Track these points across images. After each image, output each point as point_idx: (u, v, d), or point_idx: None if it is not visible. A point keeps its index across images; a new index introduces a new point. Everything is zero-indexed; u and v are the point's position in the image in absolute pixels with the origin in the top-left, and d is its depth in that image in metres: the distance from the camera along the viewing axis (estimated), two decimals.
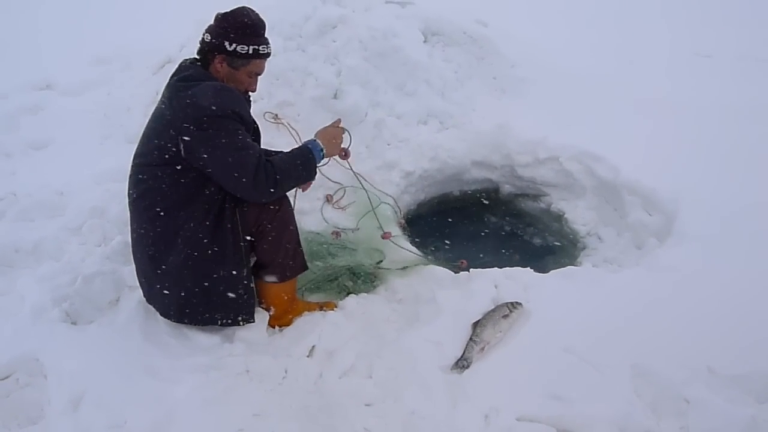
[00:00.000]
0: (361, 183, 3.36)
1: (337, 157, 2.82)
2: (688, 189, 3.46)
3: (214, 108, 2.28)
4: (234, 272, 2.48)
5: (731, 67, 5.62)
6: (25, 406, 2.30)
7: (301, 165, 2.50)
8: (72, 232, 3.22)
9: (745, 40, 6.52)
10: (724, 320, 2.58)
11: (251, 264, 2.61)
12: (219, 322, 2.56)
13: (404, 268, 3.10)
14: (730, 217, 3.21)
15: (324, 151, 2.58)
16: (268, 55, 2.53)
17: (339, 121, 2.79)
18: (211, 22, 2.47)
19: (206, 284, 2.46)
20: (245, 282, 2.53)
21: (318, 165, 2.58)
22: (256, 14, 2.48)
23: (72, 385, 2.32)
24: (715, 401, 2.23)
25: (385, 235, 3.26)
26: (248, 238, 2.50)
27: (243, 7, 2.46)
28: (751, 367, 2.36)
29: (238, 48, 2.41)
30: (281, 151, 2.89)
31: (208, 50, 2.46)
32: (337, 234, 3.34)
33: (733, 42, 6.45)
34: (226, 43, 2.41)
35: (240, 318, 2.58)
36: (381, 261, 3.17)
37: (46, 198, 3.49)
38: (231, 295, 2.51)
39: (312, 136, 2.64)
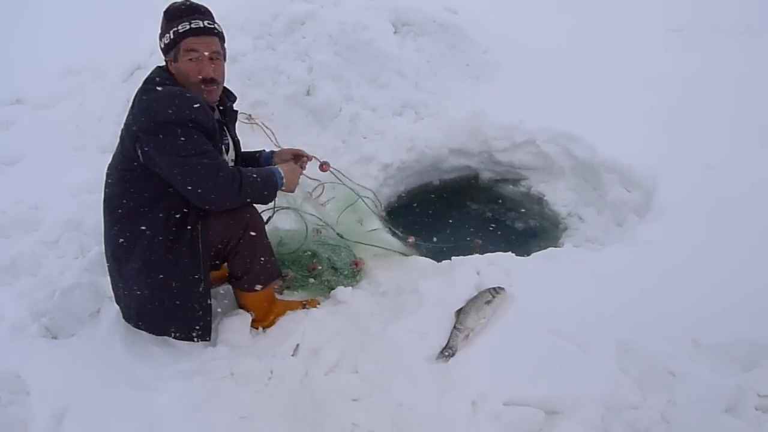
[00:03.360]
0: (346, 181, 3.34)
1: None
2: (665, 164, 3.48)
3: (167, 114, 2.22)
4: (189, 287, 2.41)
5: (703, 40, 5.63)
6: (8, 424, 2.25)
7: (266, 184, 2.46)
8: (49, 245, 3.18)
9: (716, 11, 6.54)
10: (706, 291, 2.60)
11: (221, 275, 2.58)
12: (172, 335, 2.51)
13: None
14: (708, 189, 3.23)
15: (284, 180, 2.54)
16: (195, 30, 2.35)
17: (305, 160, 2.84)
18: None
19: (160, 295, 2.40)
20: (201, 297, 2.46)
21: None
22: (182, 1, 2.38)
23: (55, 400, 2.28)
24: (701, 372, 2.24)
25: (324, 167, 3.12)
26: (212, 253, 2.45)
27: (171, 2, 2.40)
28: (735, 336, 2.38)
29: (165, 41, 2.37)
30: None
31: (164, 58, 2.44)
32: (317, 231, 3.32)
33: (704, 15, 6.46)
34: (160, 44, 2.39)
35: (194, 334, 2.51)
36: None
37: (21, 213, 3.44)
38: (185, 310, 2.45)
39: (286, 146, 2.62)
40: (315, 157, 2.95)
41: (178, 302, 2.42)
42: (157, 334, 2.54)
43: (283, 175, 2.54)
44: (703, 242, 2.86)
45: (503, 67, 4.73)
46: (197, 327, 2.50)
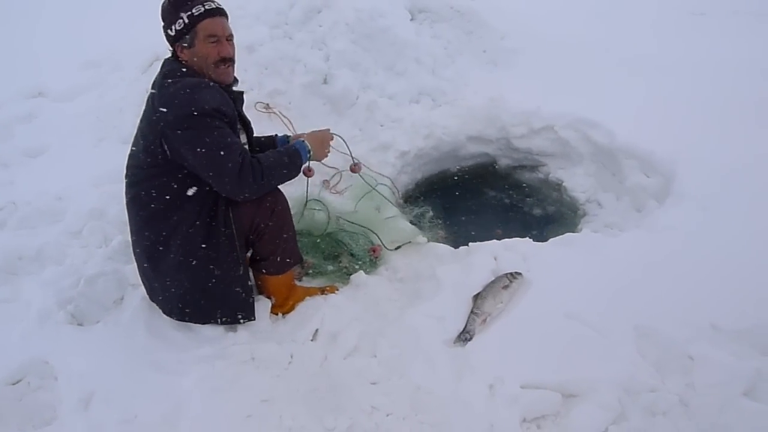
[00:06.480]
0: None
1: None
2: (685, 148, 3.45)
3: (192, 107, 2.23)
4: (231, 271, 2.47)
5: (724, 24, 5.53)
6: (38, 407, 2.33)
7: (288, 164, 2.47)
8: (73, 235, 3.24)
9: None
10: (726, 276, 2.58)
11: (247, 258, 2.60)
12: (219, 321, 2.57)
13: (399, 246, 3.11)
14: (729, 173, 3.19)
15: (311, 153, 2.59)
16: (211, 12, 2.38)
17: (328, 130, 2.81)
18: None
19: (203, 284, 2.46)
20: (243, 280, 2.53)
21: (303, 165, 2.58)
22: None
23: (82, 385, 2.35)
24: (720, 356, 2.24)
25: (355, 168, 3.17)
26: (244, 237, 2.50)
27: None
28: (754, 321, 2.37)
29: (176, 27, 2.36)
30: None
31: (171, 48, 2.45)
32: (336, 218, 3.30)
33: None
34: (169, 31, 2.39)
35: (240, 316, 2.57)
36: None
37: (45, 204, 3.50)
38: (229, 294, 2.51)
39: (304, 132, 2.65)
40: (338, 136, 2.93)
41: (221, 287, 2.48)
42: (202, 323, 2.59)
43: (309, 147, 2.58)
44: (723, 227, 2.84)
45: (521, 53, 4.69)
46: (242, 308, 2.56)
